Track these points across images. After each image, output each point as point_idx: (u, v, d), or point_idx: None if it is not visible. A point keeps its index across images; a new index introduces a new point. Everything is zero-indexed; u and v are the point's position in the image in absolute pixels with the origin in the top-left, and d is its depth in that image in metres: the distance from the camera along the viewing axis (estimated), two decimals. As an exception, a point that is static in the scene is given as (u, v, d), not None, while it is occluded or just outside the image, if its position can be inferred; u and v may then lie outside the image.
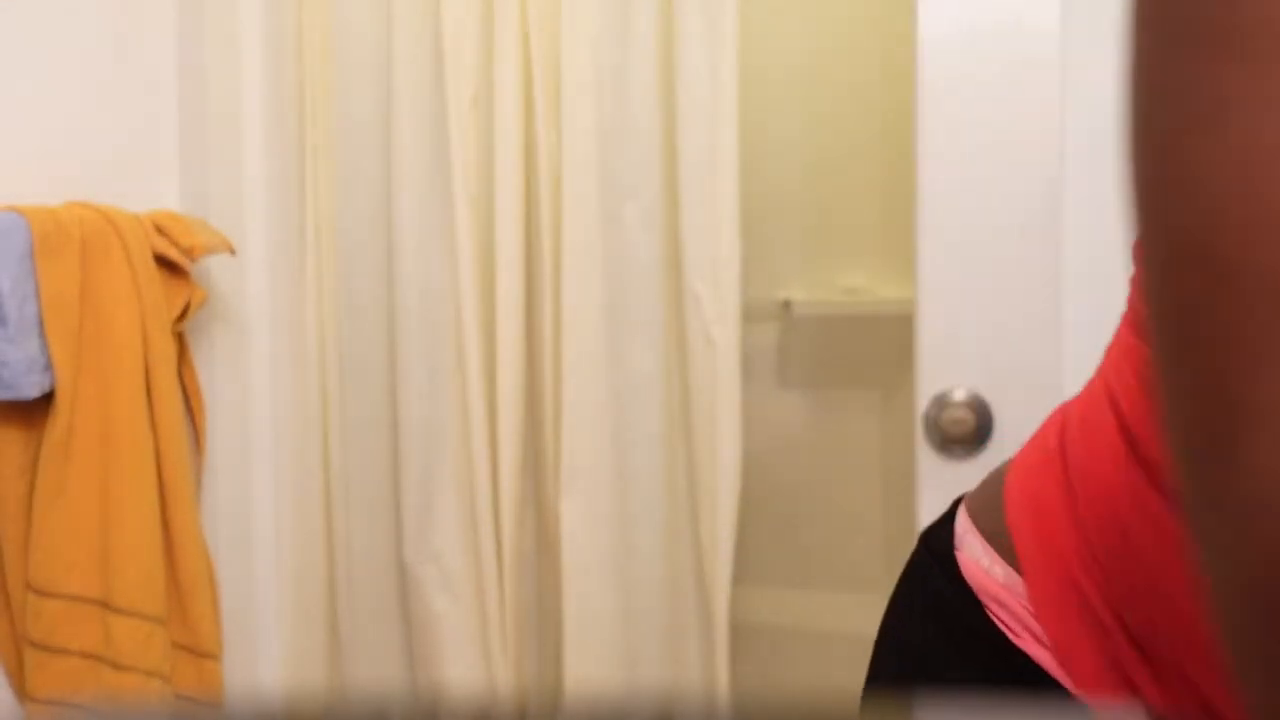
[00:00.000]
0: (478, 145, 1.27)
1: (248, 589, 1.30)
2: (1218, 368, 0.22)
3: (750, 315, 1.28)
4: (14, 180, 1.01)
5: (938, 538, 0.60)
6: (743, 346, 1.25)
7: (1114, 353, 0.54)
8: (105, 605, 1.03)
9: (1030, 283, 0.98)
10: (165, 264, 1.10)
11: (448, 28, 1.23)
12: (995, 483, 0.58)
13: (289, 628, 1.35)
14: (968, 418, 0.99)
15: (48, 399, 0.99)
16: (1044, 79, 0.97)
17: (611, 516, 1.27)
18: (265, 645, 1.33)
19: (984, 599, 0.55)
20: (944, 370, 1.00)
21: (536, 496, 1.32)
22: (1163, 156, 0.25)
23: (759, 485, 1.67)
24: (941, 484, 1.01)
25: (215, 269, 1.25)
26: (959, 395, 1.00)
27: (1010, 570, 0.54)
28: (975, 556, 0.56)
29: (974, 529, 0.57)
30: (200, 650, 1.14)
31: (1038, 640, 0.52)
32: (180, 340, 1.18)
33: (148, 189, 1.20)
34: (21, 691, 1.02)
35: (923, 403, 1.01)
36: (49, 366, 0.97)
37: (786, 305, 1.85)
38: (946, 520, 0.60)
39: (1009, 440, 0.99)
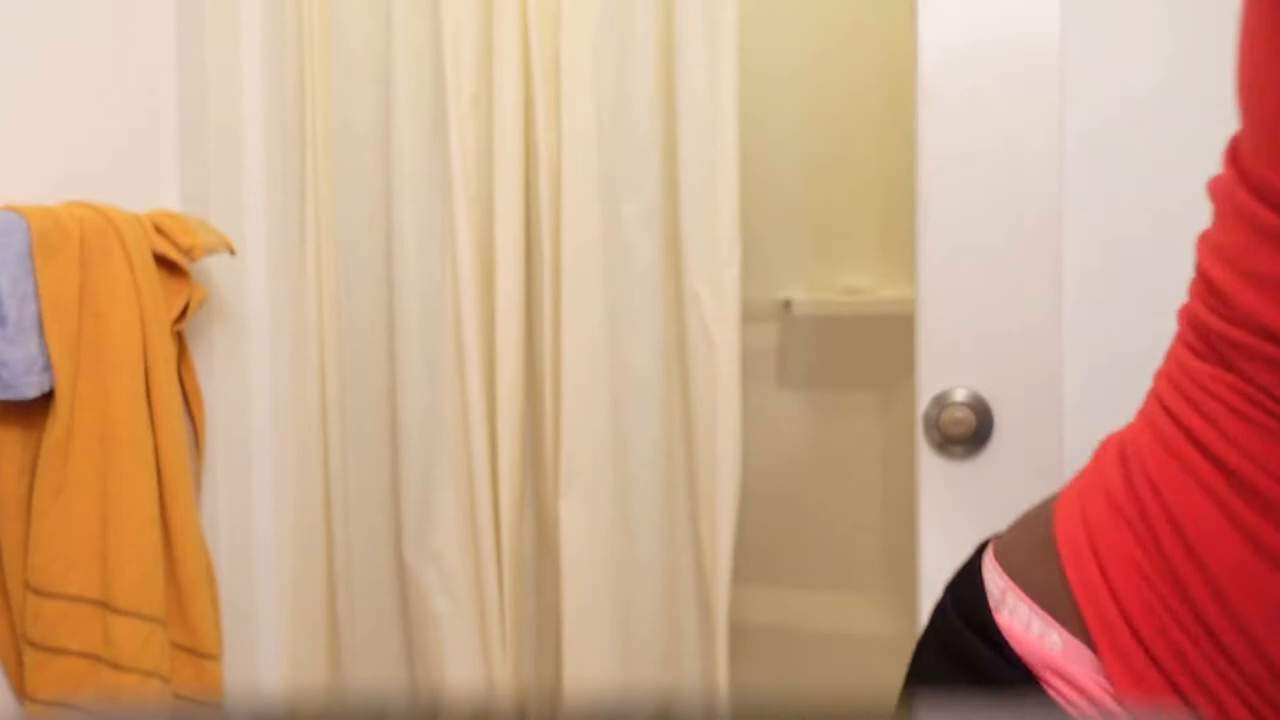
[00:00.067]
0: (477, 145, 1.27)
1: (248, 589, 1.30)
2: None
3: (750, 315, 1.28)
4: (13, 180, 1.01)
5: (967, 597, 0.52)
6: (743, 346, 1.25)
7: (1183, 382, 0.47)
8: (105, 605, 1.03)
9: (1030, 283, 0.98)
10: (165, 264, 1.10)
11: (448, 28, 1.23)
12: (1036, 531, 0.51)
13: (289, 628, 1.35)
14: (968, 418, 0.99)
15: (47, 399, 0.99)
16: (1044, 79, 0.97)
17: (611, 516, 1.27)
18: (265, 645, 1.33)
19: (1039, 672, 0.47)
20: (944, 370, 1.00)
21: (536, 497, 1.32)
22: None
23: (759, 485, 1.67)
24: (941, 484, 1.01)
25: (215, 269, 1.25)
26: (959, 395, 1.00)
27: (1072, 638, 0.47)
28: (1022, 621, 0.49)
29: (1014, 586, 0.50)
30: (200, 650, 1.14)
31: None
32: (180, 340, 1.17)
33: (148, 188, 1.20)
34: (21, 691, 1.02)
35: (923, 403, 1.01)
36: (48, 366, 0.97)
37: (786, 305, 1.85)
38: (971, 573, 0.53)
39: (1009, 440, 0.99)
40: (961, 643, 0.51)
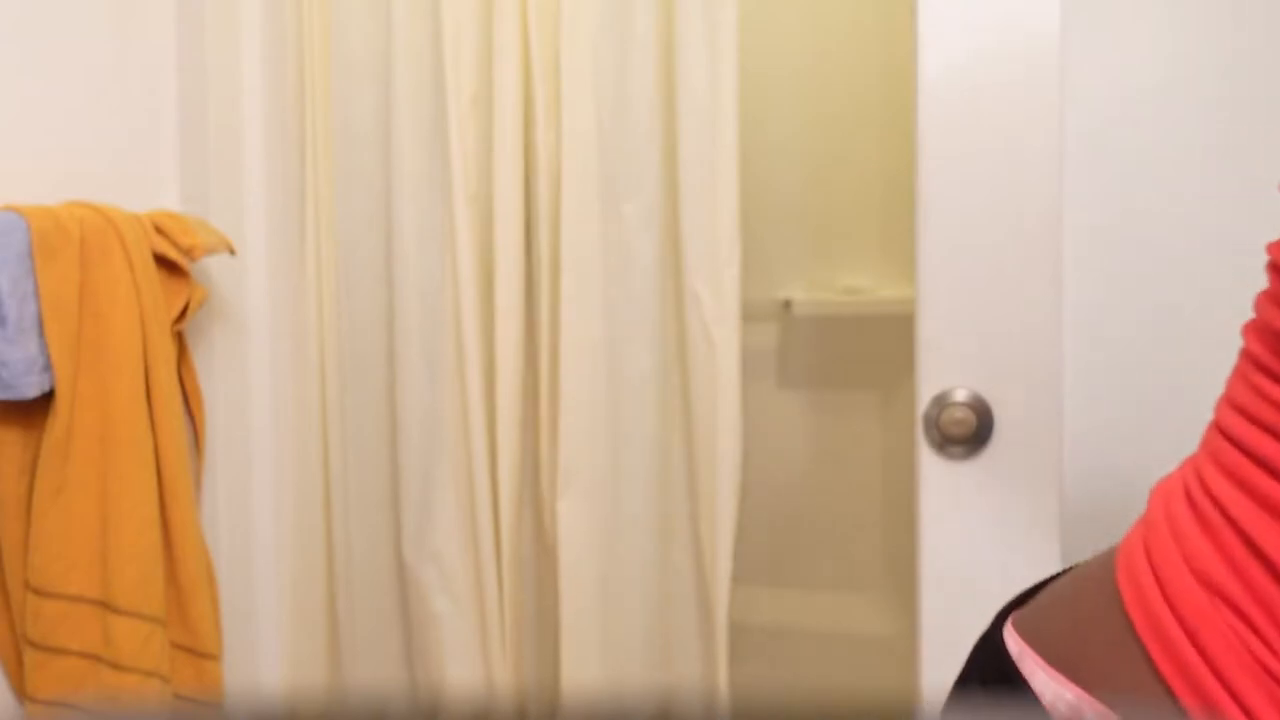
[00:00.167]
0: (477, 145, 1.27)
1: (248, 589, 1.30)
2: None
3: (750, 315, 1.28)
4: (13, 179, 1.01)
5: (991, 681, 0.45)
6: (743, 346, 1.25)
7: (1256, 407, 0.42)
8: (105, 605, 1.03)
9: (1030, 283, 0.98)
10: (165, 264, 1.10)
11: (447, 28, 1.23)
12: (1086, 608, 0.44)
13: (289, 628, 1.35)
14: (968, 418, 0.99)
15: (47, 399, 0.99)
16: (1044, 79, 0.97)
17: (611, 516, 1.27)
18: (265, 645, 1.33)
19: None
20: (944, 370, 1.00)
21: (536, 497, 1.32)
22: None
23: (759, 485, 1.67)
24: (941, 484, 1.01)
25: (215, 269, 1.25)
26: (959, 395, 1.00)
27: None
28: None
29: (1070, 684, 0.42)
30: (200, 650, 1.14)
31: None
32: (180, 340, 1.17)
33: (148, 188, 1.20)
34: (21, 691, 1.02)
35: (923, 403, 1.01)
36: (48, 366, 0.97)
37: (786, 305, 1.85)
38: (993, 666, 0.45)
39: (1009, 440, 0.99)
40: None
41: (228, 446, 1.28)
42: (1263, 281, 0.46)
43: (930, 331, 1.00)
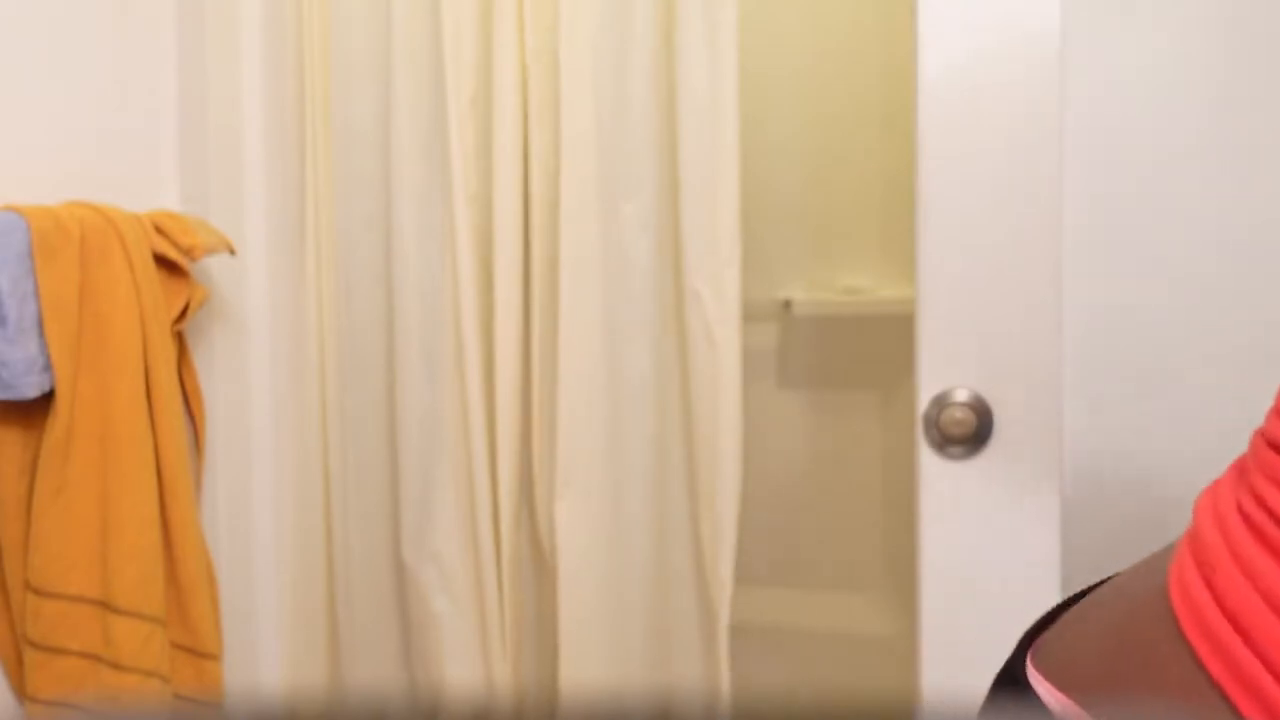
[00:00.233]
0: (477, 145, 1.27)
1: (248, 589, 1.30)
2: None
3: (750, 315, 1.28)
4: (13, 179, 1.01)
5: None
6: (743, 346, 1.25)
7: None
8: (105, 605, 1.03)
9: (1030, 282, 0.98)
10: (165, 264, 1.10)
11: (447, 28, 1.23)
12: (1149, 657, 0.39)
13: (289, 628, 1.35)
14: (968, 418, 0.99)
15: (47, 399, 0.99)
16: (1044, 79, 0.97)
17: (611, 517, 1.27)
18: (265, 645, 1.33)
19: None
20: (944, 370, 1.00)
21: (535, 497, 1.32)
22: None
23: (759, 485, 1.67)
24: (941, 484, 1.01)
25: (215, 269, 1.25)
26: (959, 395, 1.00)
27: None
28: None
29: None
30: (200, 650, 1.14)
31: None
32: (180, 340, 1.18)
33: (148, 188, 1.20)
34: (21, 691, 1.02)
35: (923, 403, 1.01)
36: (48, 366, 0.97)
37: (786, 305, 1.85)
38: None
39: (1009, 440, 0.99)
40: None
41: (228, 446, 1.28)
42: (1262, 281, 0.46)
43: (930, 331, 1.00)
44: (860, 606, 1.86)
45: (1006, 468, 0.99)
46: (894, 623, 1.75)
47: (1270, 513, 0.40)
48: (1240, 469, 0.45)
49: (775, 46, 1.84)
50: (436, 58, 1.25)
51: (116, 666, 1.03)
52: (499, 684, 1.29)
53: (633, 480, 1.27)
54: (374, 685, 1.35)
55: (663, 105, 1.24)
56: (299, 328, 1.33)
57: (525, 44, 1.24)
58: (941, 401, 1.00)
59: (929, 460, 1.01)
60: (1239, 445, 0.48)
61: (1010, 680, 0.44)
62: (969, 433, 0.99)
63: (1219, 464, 0.50)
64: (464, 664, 1.29)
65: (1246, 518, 0.41)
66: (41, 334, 0.97)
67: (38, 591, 0.99)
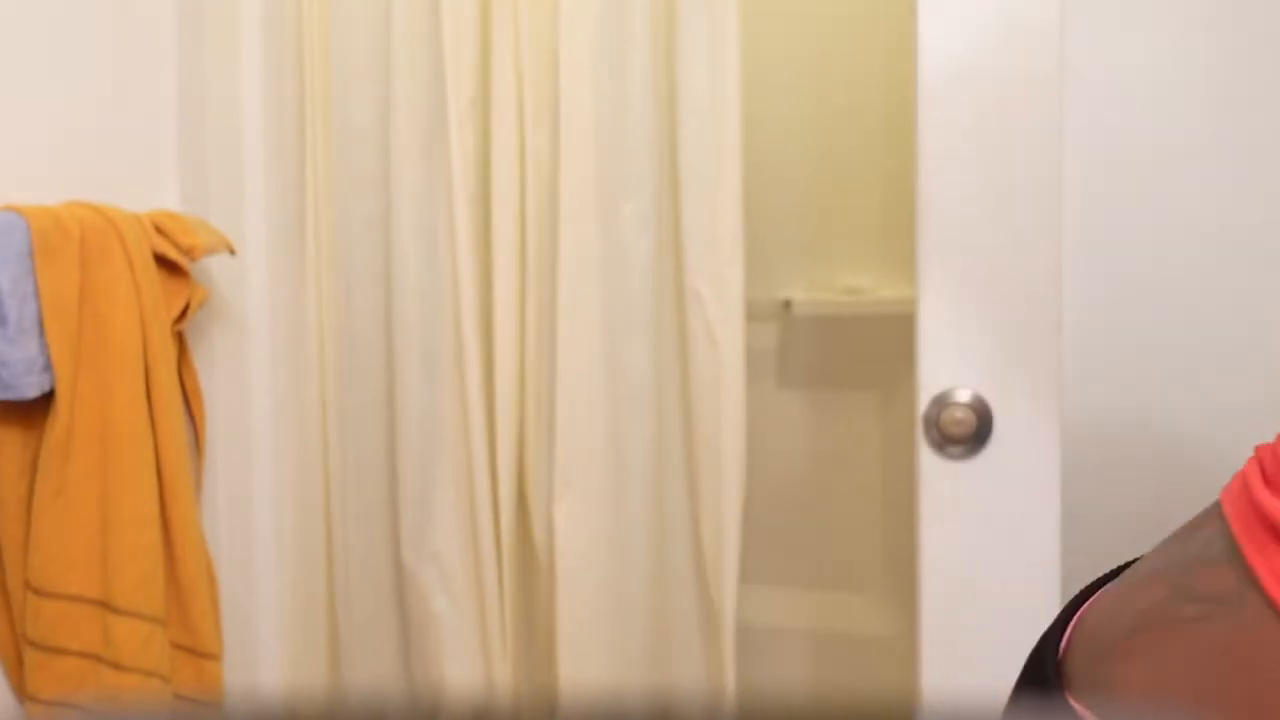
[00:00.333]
0: (477, 145, 1.27)
1: (248, 589, 1.30)
2: None
3: (750, 315, 1.28)
4: (13, 179, 1.01)
5: None
6: (743, 346, 1.25)
7: None
8: (105, 605, 1.03)
9: (1030, 282, 0.98)
10: (165, 264, 1.10)
11: (447, 28, 1.23)
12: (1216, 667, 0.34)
13: (289, 628, 1.35)
14: (968, 418, 0.99)
15: (47, 399, 0.99)
16: (1044, 79, 0.97)
17: (611, 517, 1.27)
18: (265, 645, 1.33)
19: None
20: (944, 370, 1.00)
21: (535, 497, 1.32)
22: None
23: (759, 485, 1.67)
24: (941, 484, 1.01)
25: (215, 269, 1.25)
26: (959, 395, 1.00)
27: None
28: None
29: None
30: (200, 650, 1.14)
31: None
32: (180, 340, 1.18)
33: (148, 188, 1.20)
34: (21, 691, 1.02)
35: (923, 403, 1.01)
36: (48, 366, 0.97)
37: (786, 305, 1.85)
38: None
39: (1009, 440, 0.99)
40: None
41: (228, 446, 1.28)
42: (1262, 280, 0.45)
43: (930, 331, 1.00)
44: (860, 606, 1.86)
45: (1006, 468, 0.99)
46: (894, 623, 1.75)
47: None
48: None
49: (775, 46, 1.84)
50: (436, 58, 1.25)
51: (116, 666, 1.03)
52: (499, 684, 1.29)
53: (633, 480, 1.27)
54: (374, 685, 1.35)
55: (663, 105, 1.24)
56: (299, 328, 1.33)
57: (525, 44, 1.24)
58: (941, 401, 1.00)
59: (929, 460, 1.01)
60: (1239, 444, 0.48)
61: (1038, 670, 0.41)
62: (969, 433, 0.99)
63: (1219, 463, 0.49)
64: (464, 664, 1.29)
65: None
66: (41, 334, 0.97)
67: (38, 591, 0.99)
